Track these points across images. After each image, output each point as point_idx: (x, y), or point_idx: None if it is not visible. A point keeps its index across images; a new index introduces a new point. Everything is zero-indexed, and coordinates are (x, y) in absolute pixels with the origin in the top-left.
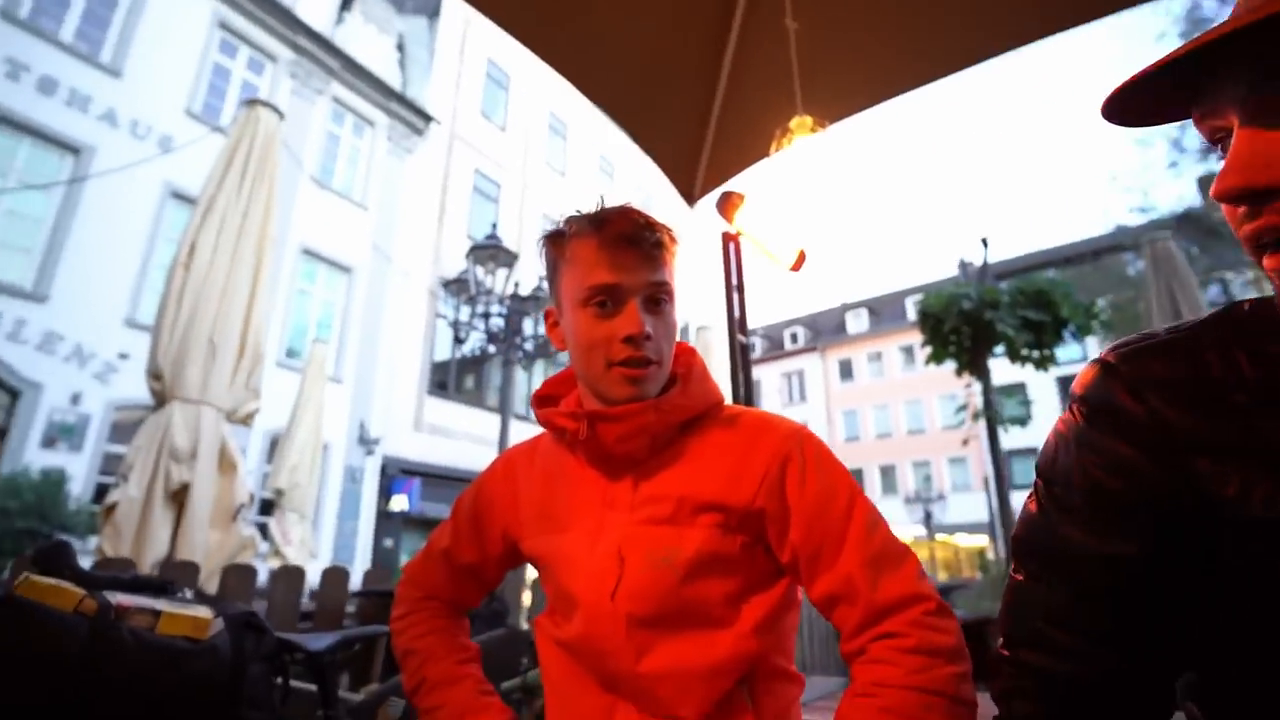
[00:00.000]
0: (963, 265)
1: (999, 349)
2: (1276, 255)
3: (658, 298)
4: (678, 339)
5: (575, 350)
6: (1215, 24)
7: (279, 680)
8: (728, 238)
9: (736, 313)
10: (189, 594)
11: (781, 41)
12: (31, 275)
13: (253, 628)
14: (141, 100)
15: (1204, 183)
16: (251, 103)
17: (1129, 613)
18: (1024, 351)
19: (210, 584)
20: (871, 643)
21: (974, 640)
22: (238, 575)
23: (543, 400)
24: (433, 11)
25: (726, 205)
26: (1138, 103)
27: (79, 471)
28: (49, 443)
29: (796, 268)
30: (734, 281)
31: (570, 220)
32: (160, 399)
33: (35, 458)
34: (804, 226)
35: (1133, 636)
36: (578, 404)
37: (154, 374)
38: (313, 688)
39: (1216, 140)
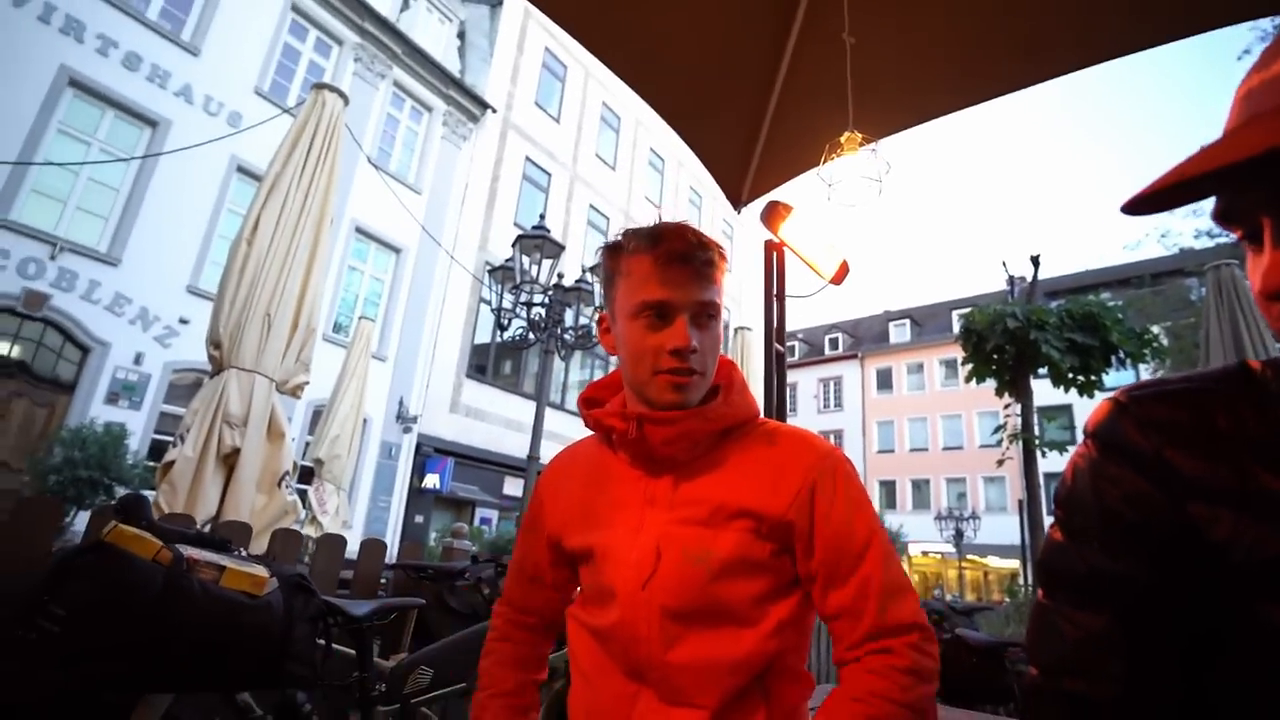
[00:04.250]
0: (1011, 281)
1: (1043, 370)
2: None
3: (707, 314)
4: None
5: (626, 357)
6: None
7: (321, 641)
8: (770, 246)
9: (775, 322)
10: (245, 554)
11: (837, 55)
12: (107, 240)
13: (303, 589)
14: (216, 78)
15: None
16: (319, 87)
17: (1161, 634)
18: (1069, 375)
19: (253, 545)
20: (869, 655)
21: (992, 662)
22: (285, 539)
23: (589, 403)
24: (495, 0)
25: (772, 216)
26: (1157, 202)
27: (137, 427)
28: (112, 399)
29: (838, 280)
30: (774, 290)
31: (628, 234)
32: (218, 366)
33: (99, 412)
34: (849, 237)
35: (1171, 658)
36: (623, 406)
37: (214, 342)
38: (350, 651)
39: (1240, 233)
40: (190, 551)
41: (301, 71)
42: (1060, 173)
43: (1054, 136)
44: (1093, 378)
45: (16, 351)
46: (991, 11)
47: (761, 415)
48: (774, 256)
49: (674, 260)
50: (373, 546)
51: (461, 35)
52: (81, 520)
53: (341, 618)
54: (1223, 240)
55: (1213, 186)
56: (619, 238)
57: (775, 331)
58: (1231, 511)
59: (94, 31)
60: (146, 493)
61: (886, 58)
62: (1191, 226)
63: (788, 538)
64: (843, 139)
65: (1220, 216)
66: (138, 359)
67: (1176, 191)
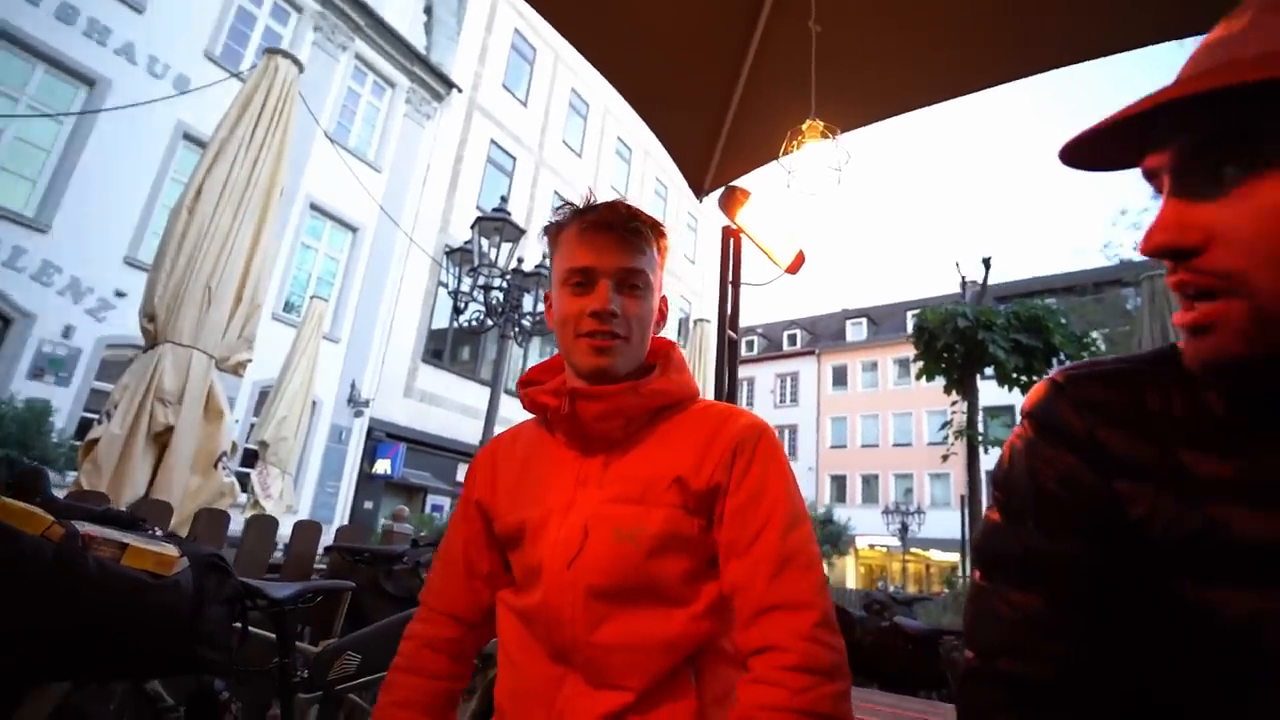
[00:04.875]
0: (965, 283)
1: (990, 370)
2: (1182, 314)
3: (632, 283)
4: (674, 333)
5: (556, 325)
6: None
7: (239, 625)
8: (728, 233)
9: (730, 309)
10: (159, 533)
11: (802, 43)
12: (34, 204)
13: (216, 570)
14: (162, 38)
15: None
16: (272, 51)
17: (1096, 613)
18: (1014, 375)
19: (185, 528)
20: (753, 656)
21: (928, 649)
22: (210, 519)
23: (527, 383)
24: None
25: (730, 201)
26: (1093, 152)
27: (64, 405)
28: (37, 374)
29: (794, 269)
30: (729, 277)
31: (563, 211)
32: (152, 340)
33: (21, 387)
34: (807, 229)
35: (1106, 638)
36: (562, 384)
37: (148, 315)
38: (273, 636)
39: (1159, 192)
40: (88, 528)
41: (256, 38)
42: (1017, 176)
43: (1013, 140)
44: (1035, 378)
45: None
46: (958, 6)
47: (702, 396)
48: (731, 243)
49: (599, 228)
50: (305, 528)
51: (428, 11)
52: None
53: (261, 600)
54: None
55: (1136, 140)
56: (557, 216)
57: (729, 319)
58: (1153, 489)
59: None
60: (70, 473)
61: (851, 49)
62: (1131, 238)
63: (712, 508)
64: (804, 126)
65: (1146, 174)
66: (67, 332)
67: (1105, 142)
